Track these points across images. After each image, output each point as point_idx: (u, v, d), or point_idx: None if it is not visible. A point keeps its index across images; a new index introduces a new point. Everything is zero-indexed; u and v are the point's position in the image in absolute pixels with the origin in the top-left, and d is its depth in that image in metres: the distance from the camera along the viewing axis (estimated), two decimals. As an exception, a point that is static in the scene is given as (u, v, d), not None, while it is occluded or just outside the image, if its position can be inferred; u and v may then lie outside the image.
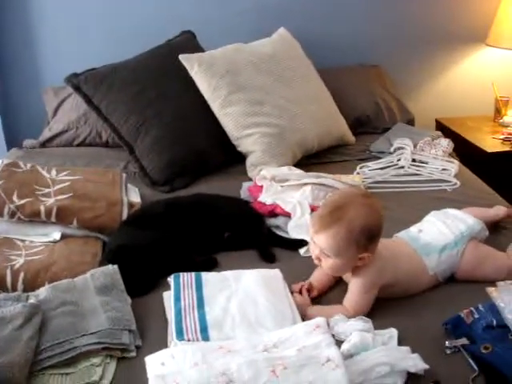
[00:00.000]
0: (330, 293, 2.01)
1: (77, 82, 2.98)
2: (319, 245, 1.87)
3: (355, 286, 1.89)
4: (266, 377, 1.42)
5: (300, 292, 1.95)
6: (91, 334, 1.71)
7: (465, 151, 3.30)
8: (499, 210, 2.36)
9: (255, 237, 2.29)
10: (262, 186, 2.58)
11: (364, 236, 1.83)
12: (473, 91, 3.94)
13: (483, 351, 1.66)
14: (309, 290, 1.96)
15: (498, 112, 3.76)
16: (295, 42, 3.30)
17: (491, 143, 3.50)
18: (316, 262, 1.93)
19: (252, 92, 2.96)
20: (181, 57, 3.02)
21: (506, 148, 3.44)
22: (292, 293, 1.93)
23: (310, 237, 1.95)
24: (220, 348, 1.54)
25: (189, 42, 3.28)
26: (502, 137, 3.53)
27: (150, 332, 1.81)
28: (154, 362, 1.51)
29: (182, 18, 3.45)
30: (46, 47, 3.53)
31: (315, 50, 3.38)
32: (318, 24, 3.65)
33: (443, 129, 3.67)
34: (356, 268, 1.90)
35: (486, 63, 3.92)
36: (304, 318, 1.82)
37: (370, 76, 3.64)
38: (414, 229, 2.13)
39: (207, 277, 1.97)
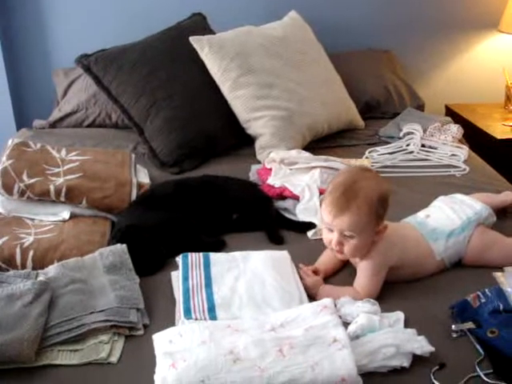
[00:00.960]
0: (336, 276, 2.02)
1: (87, 62, 2.99)
2: (341, 227, 1.85)
3: (364, 269, 1.89)
4: (272, 356, 1.43)
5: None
6: (99, 311, 1.72)
7: (474, 137, 3.30)
8: (508, 196, 2.35)
9: (263, 219, 2.30)
10: (270, 169, 2.59)
11: (381, 205, 1.85)
12: (484, 77, 3.92)
13: (489, 335, 1.66)
14: (314, 273, 1.97)
15: (508, 99, 3.74)
16: (306, 25, 3.29)
17: (501, 130, 3.48)
18: (337, 249, 1.90)
19: (262, 75, 2.96)
20: (191, 39, 3.02)
21: (516, 135, 3.43)
22: (301, 277, 1.94)
23: (324, 225, 1.93)
24: (228, 327, 1.55)
25: (199, 24, 3.27)
26: (511, 124, 3.51)
27: (158, 311, 1.83)
28: (161, 340, 1.52)
29: (193, 0, 3.44)
30: (56, 28, 3.53)
31: (326, 34, 3.37)
32: (329, 8, 3.64)
33: (453, 115, 3.64)
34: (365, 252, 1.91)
35: (497, 49, 3.89)
36: (316, 297, 1.84)
37: (380, 61, 3.62)
38: (421, 214, 2.13)
39: (215, 257, 1.98)
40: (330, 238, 1.90)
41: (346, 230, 1.85)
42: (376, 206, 1.84)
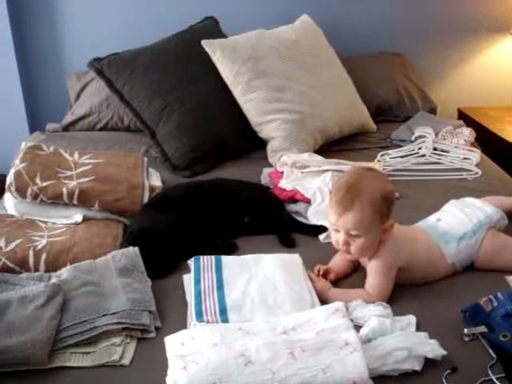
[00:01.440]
0: (348, 278, 2.02)
1: (100, 66, 3.01)
2: (346, 226, 1.87)
3: (374, 270, 1.90)
4: (284, 359, 1.43)
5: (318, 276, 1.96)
6: (112, 314, 1.73)
7: (487, 141, 3.29)
8: None
9: (275, 222, 2.30)
10: (282, 172, 2.59)
11: (385, 203, 1.86)
12: (496, 81, 3.91)
13: (502, 339, 1.66)
14: (325, 275, 1.97)
15: (521, 102, 3.73)
16: (318, 29, 3.29)
17: (513, 133, 3.47)
18: (343, 249, 1.92)
19: (274, 78, 2.96)
20: (203, 42, 3.03)
21: (528, 138, 3.41)
22: (311, 280, 1.94)
23: (331, 226, 1.95)
24: (239, 329, 1.55)
25: (211, 28, 3.28)
26: (524, 127, 3.51)
27: (170, 314, 1.83)
28: (173, 342, 1.52)
29: (205, 4, 3.46)
30: (69, 32, 3.56)
31: (338, 37, 3.37)
32: (341, 12, 3.65)
33: (465, 118, 3.64)
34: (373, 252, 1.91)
35: (510, 53, 3.88)
36: (326, 302, 1.84)
37: (392, 64, 3.63)
38: (432, 218, 2.13)
39: (227, 260, 1.98)
40: (336, 238, 1.92)
41: (352, 229, 1.86)
42: (379, 204, 1.85)
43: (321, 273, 1.97)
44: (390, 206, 1.90)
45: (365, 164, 2.71)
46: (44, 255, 2.03)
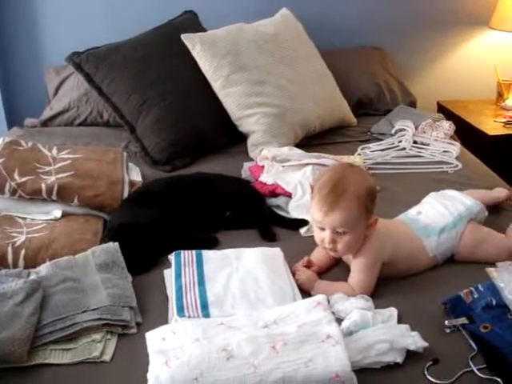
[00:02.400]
0: (330, 272, 2.01)
1: (78, 60, 2.98)
2: (333, 224, 1.85)
3: (358, 266, 1.90)
4: (266, 352, 1.43)
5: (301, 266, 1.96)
6: (92, 310, 1.72)
7: (466, 134, 3.30)
8: (501, 193, 2.36)
9: (256, 216, 2.30)
10: (263, 166, 2.59)
11: (369, 198, 1.87)
12: (475, 74, 3.93)
13: (482, 330, 1.67)
14: (308, 267, 1.97)
15: (500, 95, 3.75)
16: (297, 22, 3.28)
17: (493, 126, 3.49)
18: (329, 247, 1.89)
19: (253, 72, 2.95)
20: (183, 36, 3.01)
21: (508, 131, 3.44)
22: (293, 273, 1.93)
23: (316, 224, 1.92)
24: (221, 324, 1.54)
25: (191, 22, 3.26)
26: (503, 120, 3.53)
27: (151, 309, 1.82)
28: (154, 338, 1.51)
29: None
30: (47, 26, 3.52)
31: (318, 31, 3.36)
32: (320, 5, 3.63)
33: (445, 111, 3.66)
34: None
35: (489, 46, 3.90)
36: (311, 293, 1.85)
37: (372, 58, 3.63)
38: (412, 211, 2.13)
39: (208, 254, 1.97)
40: (322, 236, 1.89)
41: (339, 226, 1.84)
42: (365, 199, 1.85)
43: (304, 263, 1.97)
44: (374, 200, 1.90)
45: (345, 158, 2.71)
46: (23, 251, 2.01)
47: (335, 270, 2.03)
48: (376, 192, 1.93)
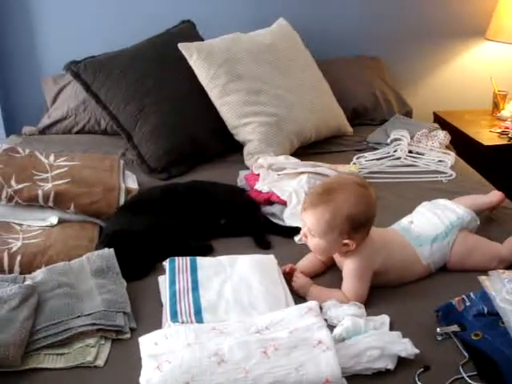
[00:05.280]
0: (321, 279, 2.02)
1: (76, 69, 3.00)
2: (306, 222, 1.91)
3: (348, 273, 1.91)
4: (257, 357, 1.44)
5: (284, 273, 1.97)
6: (86, 315, 1.73)
7: (462, 144, 3.33)
8: (494, 196, 2.38)
9: (251, 224, 2.31)
10: (258, 175, 2.59)
11: (348, 224, 1.85)
12: (471, 85, 3.96)
13: (474, 338, 1.68)
14: (290, 274, 1.97)
15: (495, 106, 3.78)
16: (294, 32, 3.30)
17: (488, 136, 3.51)
18: (303, 239, 1.98)
19: (250, 81, 2.97)
20: (180, 45, 3.03)
21: (503, 141, 3.46)
22: (289, 280, 1.95)
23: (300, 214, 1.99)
24: (213, 329, 1.55)
25: (188, 31, 3.28)
26: (499, 130, 3.55)
27: (145, 315, 1.83)
28: (147, 342, 1.52)
29: (182, 8, 3.47)
30: (45, 35, 3.54)
31: (314, 41, 3.38)
32: (317, 16, 3.66)
33: (441, 122, 3.68)
34: (347, 254, 1.93)
35: (484, 57, 3.93)
36: (306, 297, 1.87)
37: (368, 68, 3.65)
38: (405, 220, 2.15)
39: (202, 261, 1.98)
40: (302, 226, 1.97)
41: (309, 226, 1.90)
42: (340, 220, 1.85)
43: (287, 271, 1.97)
44: (357, 229, 1.87)
45: (340, 166, 2.72)
46: (19, 257, 2.02)
47: (326, 276, 2.04)
48: (362, 221, 1.87)
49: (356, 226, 1.86)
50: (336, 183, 1.94)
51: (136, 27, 3.39)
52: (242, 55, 3.03)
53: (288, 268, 1.99)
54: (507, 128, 3.55)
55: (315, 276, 2.02)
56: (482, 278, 1.88)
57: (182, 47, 3.03)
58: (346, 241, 1.87)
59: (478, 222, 2.16)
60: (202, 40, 3.19)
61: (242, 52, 3.04)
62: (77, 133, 3.27)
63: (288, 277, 1.96)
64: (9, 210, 2.28)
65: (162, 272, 1.98)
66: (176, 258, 1.99)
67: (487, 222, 2.28)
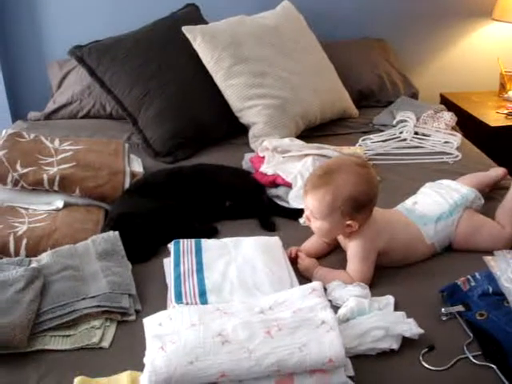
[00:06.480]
0: (326, 260, 2.02)
1: (80, 53, 3.00)
2: (308, 206, 1.91)
3: (353, 255, 1.91)
4: (260, 337, 1.43)
5: (290, 257, 1.98)
6: (91, 297, 1.74)
7: (469, 125, 3.31)
8: (498, 171, 2.40)
9: (256, 206, 2.31)
10: (263, 157, 2.59)
11: (349, 204, 1.85)
12: (478, 66, 3.93)
13: (478, 318, 1.69)
14: (296, 257, 1.99)
15: (502, 87, 3.75)
16: (299, 14, 3.29)
17: (495, 117, 3.49)
18: (306, 222, 1.98)
19: (254, 64, 2.96)
20: (184, 28, 3.02)
21: (510, 122, 3.44)
22: (294, 261, 1.96)
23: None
24: (217, 310, 1.55)
25: (193, 15, 3.27)
26: (506, 111, 3.53)
27: (150, 297, 1.84)
28: (151, 323, 1.52)
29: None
30: (50, 20, 3.54)
31: (319, 23, 3.38)
32: (322, -3, 3.64)
33: (447, 103, 3.65)
34: (350, 235, 1.93)
35: (491, 38, 3.90)
36: (312, 279, 1.87)
37: (374, 49, 3.63)
38: (409, 201, 2.14)
39: (207, 243, 1.99)
40: (305, 209, 1.96)
41: (311, 209, 1.90)
42: (341, 201, 1.84)
43: (293, 256, 1.99)
44: (359, 209, 1.87)
45: (346, 148, 2.72)
46: (25, 241, 2.03)
47: (331, 258, 2.05)
48: (364, 201, 1.87)
49: (358, 206, 1.86)
50: (335, 164, 1.94)
51: (140, 11, 3.40)
52: (247, 38, 3.02)
53: (294, 252, 1.99)
54: (514, 109, 3.53)
55: (320, 257, 2.03)
56: (488, 258, 1.88)
57: (186, 30, 3.02)
58: (348, 222, 1.87)
59: (483, 201, 2.15)
60: (206, 23, 3.18)
61: (246, 35, 3.03)
62: (82, 117, 3.27)
63: (293, 260, 1.97)
64: (14, 194, 2.29)
65: (167, 255, 1.99)
66: (181, 240, 1.99)
67: (491, 202, 2.26)
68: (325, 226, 1.90)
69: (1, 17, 3.47)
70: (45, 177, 2.27)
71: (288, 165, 2.50)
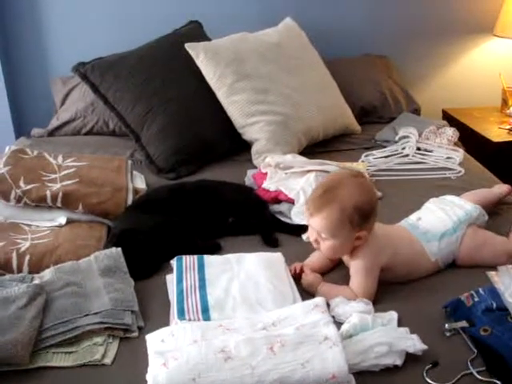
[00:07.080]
0: (328, 277, 2.01)
1: (84, 70, 3.01)
2: (315, 228, 1.90)
3: (356, 270, 1.90)
4: (263, 354, 1.43)
5: (294, 273, 1.98)
6: (94, 314, 1.73)
7: (471, 141, 3.31)
8: (502, 188, 2.41)
9: (259, 222, 2.31)
10: (266, 174, 2.60)
11: (357, 214, 1.85)
12: (480, 82, 3.94)
13: (482, 333, 1.67)
14: (300, 273, 1.98)
15: (504, 102, 3.75)
16: (301, 31, 3.31)
17: (497, 133, 3.49)
18: (315, 245, 1.95)
19: (257, 80, 2.97)
20: (187, 45, 3.04)
21: (512, 138, 3.44)
22: (298, 277, 1.96)
23: (307, 222, 1.97)
24: (219, 326, 1.55)
25: (195, 32, 3.29)
26: (508, 127, 3.53)
27: (153, 314, 1.84)
28: (154, 340, 1.52)
29: (189, 8, 3.47)
30: (54, 37, 3.56)
31: (322, 40, 3.39)
32: (324, 14, 3.66)
33: (450, 119, 3.67)
34: (354, 251, 1.92)
35: (493, 54, 3.91)
36: (315, 294, 1.87)
37: (376, 66, 3.64)
38: (412, 217, 2.14)
39: (209, 259, 1.98)
40: (310, 233, 1.95)
41: (319, 231, 1.89)
42: (350, 213, 1.84)
43: (297, 271, 1.98)
44: (365, 217, 1.87)
45: (348, 164, 2.72)
46: (27, 257, 2.03)
47: (334, 274, 2.04)
48: (369, 209, 1.88)
49: (364, 215, 1.86)
50: (333, 181, 1.93)
51: (143, 28, 3.41)
52: (249, 55, 3.03)
53: (298, 268, 1.99)
54: (517, 124, 3.54)
55: (323, 273, 2.02)
56: (491, 273, 1.88)
57: (189, 47, 3.03)
58: (358, 233, 1.87)
59: (487, 217, 2.15)
60: (209, 40, 3.19)
61: (248, 51, 3.05)
62: (85, 134, 3.27)
63: (297, 276, 1.97)
64: (17, 211, 2.29)
65: (170, 271, 1.98)
66: (183, 256, 1.99)
67: (495, 217, 2.26)
68: (336, 244, 1.89)
69: (5, 33, 3.49)
70: (48, 193, 2.27)
71: (290, 181, 2.50)
